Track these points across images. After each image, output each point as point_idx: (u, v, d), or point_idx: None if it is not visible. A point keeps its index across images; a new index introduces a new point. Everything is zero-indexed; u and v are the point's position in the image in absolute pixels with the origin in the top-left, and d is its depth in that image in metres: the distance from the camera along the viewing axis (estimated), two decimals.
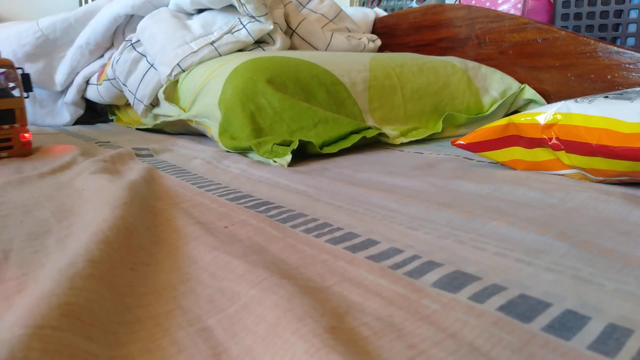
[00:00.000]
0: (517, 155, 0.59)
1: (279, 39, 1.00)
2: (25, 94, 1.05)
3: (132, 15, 1.11)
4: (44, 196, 0.49)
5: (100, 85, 1.11)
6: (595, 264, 0.31)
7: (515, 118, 0.58)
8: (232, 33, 0.94)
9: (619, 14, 1.08)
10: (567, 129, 0.52)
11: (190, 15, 1.04)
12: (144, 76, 0.99)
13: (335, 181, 0.54)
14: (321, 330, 0.22)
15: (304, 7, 1.17)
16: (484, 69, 1.06)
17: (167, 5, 1.07)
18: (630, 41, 1.08)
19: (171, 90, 0.94)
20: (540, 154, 0.57)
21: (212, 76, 0.82)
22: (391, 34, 1.38)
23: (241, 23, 0.95)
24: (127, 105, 1.18)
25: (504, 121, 0.59)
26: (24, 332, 0.20)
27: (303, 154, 0.71)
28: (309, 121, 0.72)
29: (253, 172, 0.61)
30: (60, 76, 1.14)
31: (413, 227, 0.39)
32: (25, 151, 0.72)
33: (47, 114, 1.18)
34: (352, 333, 0.24)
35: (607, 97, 0.53)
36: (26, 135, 0.71)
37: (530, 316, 0.25)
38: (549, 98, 1.04)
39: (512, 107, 1.06)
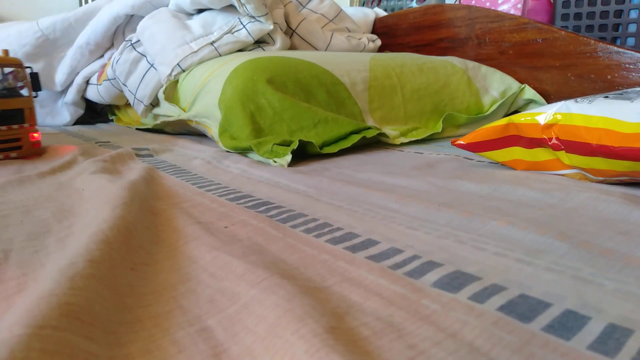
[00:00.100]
0: (517, 155, 0.59)
1: (279, 39, 1.00)
2: (34, 94, 1.04)
3: (132, 16, 1.11)
4: (44, 196, 0.49)
5: (100, 85, 1.11)
6: (595, 264, 0.31)
7: (515, 118, 0.58)
8: (232, 33, 0.94)
9: (619, 14, 1.08)
10: (567, 129, 0.52)
11: (190, 15, 1.04)
12: (144, 76, 0.99)
13: (335, 181, 0.54)
14: (321, 330, 0.22)
15: (304, 7, 1.17)
16: (484, 69, 1.06)
17: (167, 5, 1.07)
18: (630, 41, 1.08)
19: (171, 90, 0.94)
20: (540, 154, 0.57)
21: (212, 76, 0.82)
22: (391, 34, 1.38)
23: (241, 23, 0.95)
24: (127, 105, 1.18)
25: (504, 121, 0.59)
26: (24, 332, 0.20)
27: (303, 154, 0.71)
28: (309, 121, 0.72)
29: (253, 172, 0.61)
30: (60, 76, 1.14)
31: (413, 227, 0.39)
32: (35, 151, 0.71)
33: (47, 114, 1.18)
34: (352, 333, 0.24)
35: (607, 97, 0.53)
36: (35, 135, 0.70)
37: (530, 316, 0.25)
38: (549, 98, 1.04)
39: (512, 107, 1.06)
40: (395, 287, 0.29)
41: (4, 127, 0.66)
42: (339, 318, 0.25)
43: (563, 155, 0.54)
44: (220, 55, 0.92)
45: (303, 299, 0.25)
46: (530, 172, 0.58)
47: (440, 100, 0.95)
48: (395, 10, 1.54)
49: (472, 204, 0.46)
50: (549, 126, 0.54)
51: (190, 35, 0.94)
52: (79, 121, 1.21)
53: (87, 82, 1.15)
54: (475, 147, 0.61)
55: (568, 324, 0.24)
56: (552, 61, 1.02)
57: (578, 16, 1.15)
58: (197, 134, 0.97)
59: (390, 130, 0.84)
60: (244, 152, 0.72)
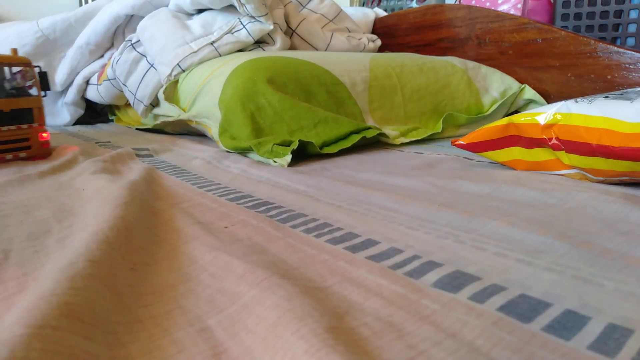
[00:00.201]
0: (517, 155, 0.59)
1: (279, 39, 1.00)
2: (42, 93, 1.04)
3: (132, 16, 1.11)
4: (44, 196, 0.49)
5: (100, 85, 1.11)
6: (595, 264, 0.31)
7: (515, 118, 0.58)
8: (232, 33, 0.94)
9: (619, 14, 1.08)
10: (567, 129, 0.52)
11: (190, 15, 1.04)
12: (144, 76, 0.99)
13: (335, 181, 0.54)
14: (321, 330, 0.22)
15: (304, 7, 1.17)
16: (484, 69, 1.06)
17: (167, 6, 1.07)
18: (630, 41, 1.08)
19: (171, 91, 0.94)
20: (540, 154, 0.57)
21: (212, 76, 0.82)
22: (391, 34, 1.38)
23: (241, 23, 0.95)
24: (127, 105, 1.18)
25: (504, 121, 0.59)
26: (24, 332, 0.20)
27: (303, 154, 0.71)
28: (309, 121, 0.72)
29: (253, 172, 0.61)
30: (60, 76, 1.14)
31: (413, 227, 0.39)
32: (44, 151, 0.70)
33: (47, 114, 1.18)
34: (352, 333, 0.24)
35: (607, 97, 0.53)
36: (44, 134, 0.69)
37: (530, 316, 0.25)
38: (549, 98, 1.04)
39: (512, 107, 1.06)
40: (395, 287, 0.29)
41: (13, 127, 0.66)
42: (339, 318, 0.25)
43: (563, 155, 0.54)
44: (220, 55, 0.92)
45: (303, 299, 0.25)
46: (530, 172, 0.58)
47: (440, 100, 0.95)
48: (395, 10, 1.54)
49: (472, 204, 0.46)
50: (549, 126, 0.54)
51: (190, 36, 0.94)
52: (79, 121, 1.21)
53: (87, 82, 1.15)
54: (475, 147, 0.61)
55: (568, 324, 0.24)
56: (552, 61, 1.02)
57: (578, 16, 1.15)
58: (197, 134, 0.97)
59: (390, 130, 0.84)
60: (244, 152, 0.72)
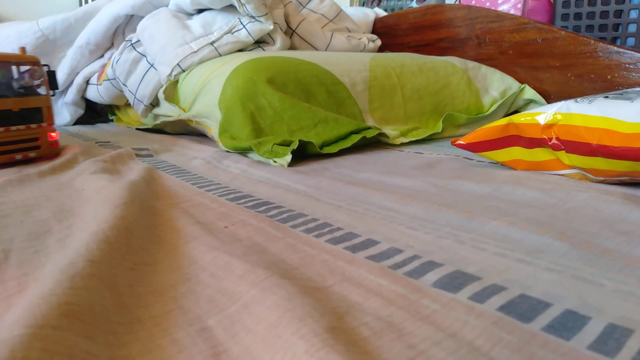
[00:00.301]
0: (517, 155, 0.59)
1: (279, 39, 1.00)
2: (51, 92, 1.03)
3: (132, 16, 1.11)
4: (44, 196, 0.49)
5: (100, 85, 1.11)
6: (595, 264, 0.31)
7: (515, 118, 0.58)
8: (232, 33, 0.94)
9: (619, 14, 1.08)
10: (567, 129, 0.52)
11: (190, 15, 1.04)
12: (144, 76, 0.99)
13: (335, 181, 0.54)
14: (321, 330, 0.22)
15: (304, 7, 1.17)
16: (484, 69, 1.06)
17: (167, 6, 1.07)
18: (630, 41, 1.08)
19: (171, 90, 0.94)
20: (540, 154, 0.57)
21: (212, 76, 0.82)
22: (391, 34, 1.38)
23: (241, 23, 0.95)
24: (127, 105, 1.18)
25: (504, 121, 0.59)
26: (24, 332, 0.20)
27: (303, 154, 0.71)
28: (309, 121, 0.72)
29: (253, 172, 0.61)
30: (60, 76, 1.14)
31: (413, 227, 0.39)
32: (53, 151, 0.69)
33: None
34: (352, 333, 0.24)
35: (607, 97, 0.53)
36: (53, 134, 0.68)
37: (530, 316, 0.25)
38: (549, 98, 1.04)
39: (512, 107, 1.06)
40: (395, 287, 0.29)
41: (22, 127, 0.65)
42: (339, 318, 0.25)
43: (563, 155, 0.54)
44: (220, 55, 0.92)
45: (303, 299, 0.25)
46: (530, 172, 0.58)
47: (440, 100, 0.95)
48: (395, 10, 1.54)
49: (472, 203, 0.46)
50: (549, 126, 0.54)
51: (190, 35, 0.94)
52: (79, 121, 1.21)
53: (87, 82, 1.15)
54: (475, 147, 0.61)
55: (568, 324, 0.24)
56: (552, 61, 1.02)
57: (578, 16, 1.15)
58: (197, 134, 0.97)
59: (390, 130, 0.84)
60: (244, 152, 0.72)
